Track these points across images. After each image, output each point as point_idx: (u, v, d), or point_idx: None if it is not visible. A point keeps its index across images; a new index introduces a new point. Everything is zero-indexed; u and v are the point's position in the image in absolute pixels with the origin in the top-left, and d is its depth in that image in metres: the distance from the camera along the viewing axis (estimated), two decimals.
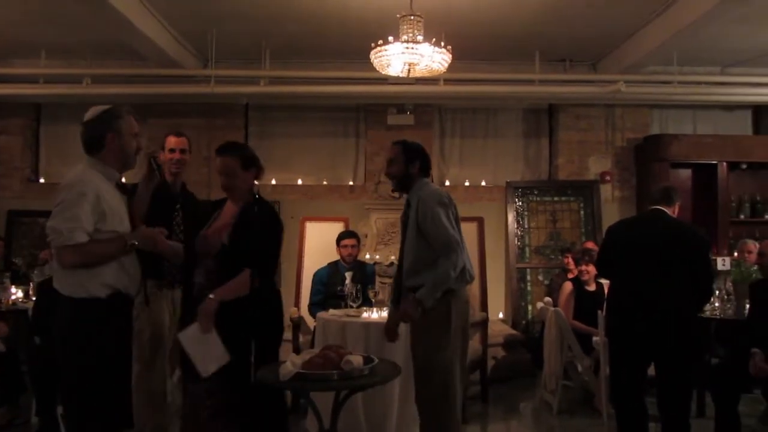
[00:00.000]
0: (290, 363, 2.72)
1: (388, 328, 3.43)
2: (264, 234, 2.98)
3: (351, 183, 7.49)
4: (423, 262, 3.23)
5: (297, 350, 4.83)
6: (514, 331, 6.59)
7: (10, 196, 7.42)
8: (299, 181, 7.44)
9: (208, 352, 2.79)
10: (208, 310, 2.80)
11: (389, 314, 3.58)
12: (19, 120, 7.47)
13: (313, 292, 5.27)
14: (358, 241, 5.45)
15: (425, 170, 3.45)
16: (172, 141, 3.78)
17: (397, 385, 3.95)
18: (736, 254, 5.62)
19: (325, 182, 7.50)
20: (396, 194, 3.75)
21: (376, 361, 2.87)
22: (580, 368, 5.03)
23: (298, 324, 5.07)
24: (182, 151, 3.78)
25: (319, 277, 5.29)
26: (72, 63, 6.84)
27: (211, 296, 2.82)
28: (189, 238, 3.26)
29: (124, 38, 5.81)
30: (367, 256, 5.76)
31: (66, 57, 6.81)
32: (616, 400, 3.81)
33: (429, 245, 3.22)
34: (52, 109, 7.55)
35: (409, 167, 3.39)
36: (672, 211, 3.81)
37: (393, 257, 6.61)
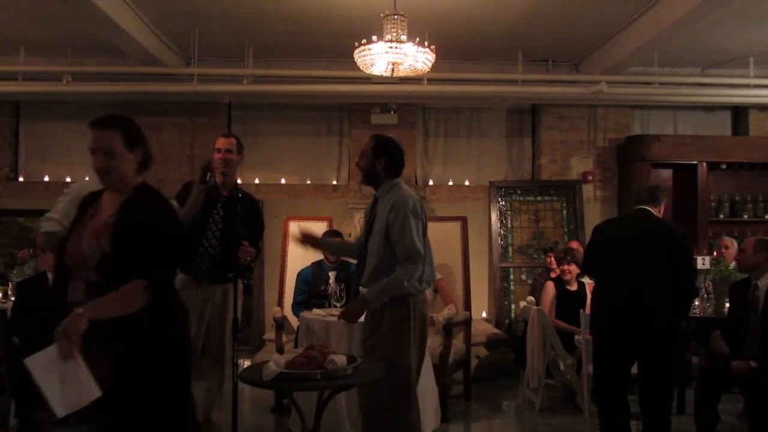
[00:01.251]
0: (273, 363, 2.71)
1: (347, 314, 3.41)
2: (157, 233, 2.28)
3: (335, 182, 7.48)
4: (385, 265, 3.21)
5: (280, 350, 4.81)
6: (497, 330, 6.61)
7: None
8: (283, 180, 7.41)
9: (69, 384, 2.08)
10: (72, 329, 2.05)
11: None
12: None
13: (297, 292, 5.25)
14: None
15: (394, 169, 3.39)
16: (219, 142, 3.96)
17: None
18: (714, 253, 5.69)
19: (308, 181, 7.48)
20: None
21: (360, 360, 2.87)
22: (562, 367, 5.07)
23: (281, 324, 5.05)
24: (228, 150, 3.92)
25: (303, 277, 5.27)
26: (52, 60, 6.75)
27: (78, 311, 2.08)
28: (226, 239, 3.55)
29: (105, 35, 5.75)
30: None
31: (46, 54, 6.73)
32: (598, 397, 3.85)
33: (390, 248, 3.22)
34: (32, 107, 7.45)
35: (375, 163, 3.36)
36: (657, 211, 3.84)
37: None
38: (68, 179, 7.37)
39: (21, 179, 7.52)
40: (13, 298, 4.85)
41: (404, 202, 3.23)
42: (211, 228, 3.83)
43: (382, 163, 3.36)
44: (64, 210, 2.64)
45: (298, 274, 5.32)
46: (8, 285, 5.28)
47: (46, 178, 7.41)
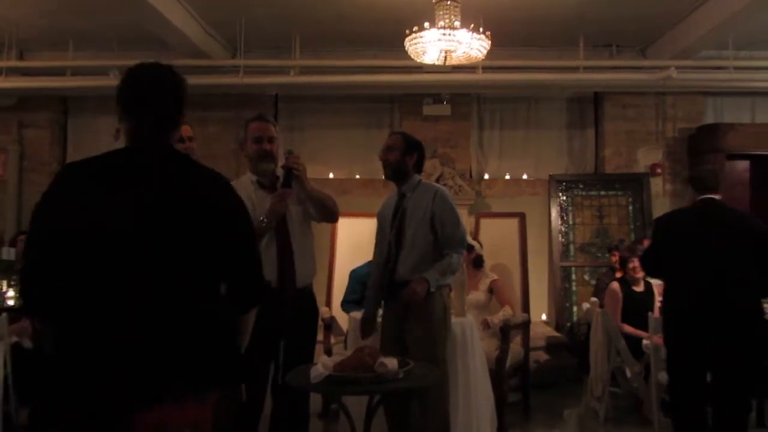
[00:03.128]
0: (321, 365, 2.71)
1: (365, 322, 3.62)
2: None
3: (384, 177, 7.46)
4: (433, 255, 3.39)
5: (328, 352, 4.83)
6: (557, 334, 6.50)
7: (37, 191, 7.51)
8: (331, 175, 7.45)
9: None
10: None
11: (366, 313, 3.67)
12: (47, 113, 7.62)
13: (349, 290, 5.24)
14: None
15: (421, 166, 3.62)
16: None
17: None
18: None
19: (357, 176, 7.49)
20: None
21: (412, 364, 2.84)
22: (628, 374, 4.94)
23: (329, 325, 5.06)
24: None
25: (357, 276, 5.25)
26: (99, 54, 6.95)
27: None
28: None
29: (151, 28, 5.88)
30: None
31: (93, 48, 6.93)
32: (673, 410, 3.69)
33: (436, 241, 3.39)
34: (80, 101, 7.69)
35: (406, 158, 3.53)
36: (721, 198, 3.69)
37: None
38: None
39: None
40: None
41: (446, 193, 3.50)
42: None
43: (414, 158, 3.56)
44: None
45: (352, 272, 5.30)
46: None
47: None
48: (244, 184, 3.18)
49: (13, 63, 6.91)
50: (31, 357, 4.48)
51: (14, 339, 4.39)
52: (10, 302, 5.21)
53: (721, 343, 3.40)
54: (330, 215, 3.36)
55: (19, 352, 4.36)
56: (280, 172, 3.26)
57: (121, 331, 1.67)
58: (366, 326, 3.61)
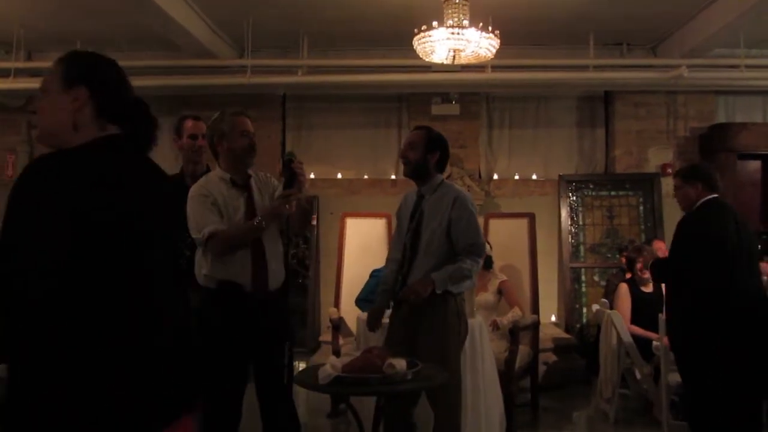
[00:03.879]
0: (330, 366, 2.72)
1: (373, 313, 3.53)
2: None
3: (393, 177, 7.48)
4: (448, 262, 3.28)
5: (337, 353, 4.85)
6: (567, 335, 6.49)
7: None
8: (339, 175, 7.47)
9: None
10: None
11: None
12: None
13: (367, 289, 5.20)
14: None
15: (442, 165, 3.47)
16: (193, 125, 3.58)
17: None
18: None
19: (366, 176, 7.50)
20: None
21: (421, 365, 2.85)
22: (638, 375, 4.93)
23: (338, 325, 5.08)
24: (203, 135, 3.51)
25: (378, 278, 5.22)
26: (106, 54, 6.99)
27: None
28: None
29: (158, 28, 5.91)
30: None
31: (100, 48, 6.94)
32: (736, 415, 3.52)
33: (452, 249, 3.29)
34: None
35: (428, 156, 3.38)
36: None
37: None
38: None
39: None
40: None
41: (466, 198, 3.34)
42: None
43: (436, 156, 3.40)
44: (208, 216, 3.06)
45: (374, 272, 5.26)
46: None
47: None
48: (213, 181, 3.10)
49: (22, 64, 6.96)
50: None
51: None
52: None
53: None
54: (304, 229, 3.38)
55: None
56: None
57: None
58: (373, 319, 3.52)
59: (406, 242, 3.42)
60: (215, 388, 2.82)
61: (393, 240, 3.64)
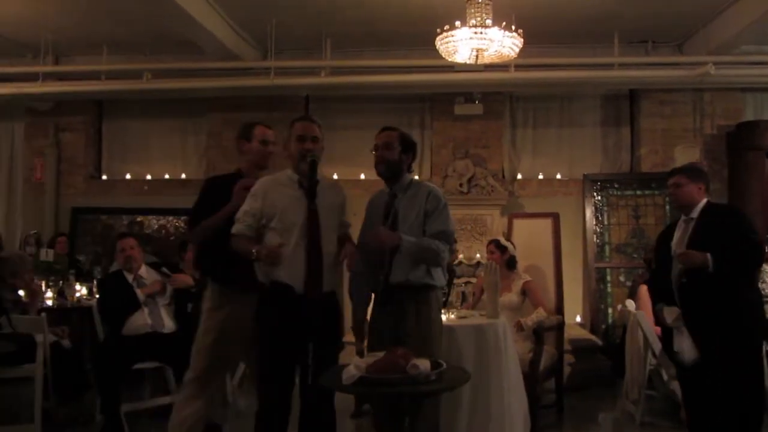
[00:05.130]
0: (354, 366, 2.73)
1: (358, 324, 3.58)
2: None
3: (417, 177, 7.46)
4: None
5: (360, 353, 4.86)
6: (592, 336, 6.44)
7: (73, 193, 7.77)
8: (362, 176, 7.48)
9: None
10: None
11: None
12: (82, 117, 7.82)
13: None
14: None
15: (412, 166, 3.55)
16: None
17: (466, 391, 3.92)
18: None
19: None
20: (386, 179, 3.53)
21: (445, 365, 2.85)
22: (665, 377, 4.88)
23: (361, 326, 5.09)
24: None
25: None
26: (132, 58, 7.10)
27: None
28: None
29: (183, 31, 5.99)
30: None
31: (126, 53, 7.08)
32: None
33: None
34: (113, 105, 7.87)
35: (403, 156, 3.44)
36: None
37: (478, 255, 6.57)
38: (148, 177, 7.75)
39: (104, 177, 7.96)
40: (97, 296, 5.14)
41: (439, 192, 3.40)
42: None
43: (410, 158, 3.48)
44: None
45: None
46: (93, 282, 5.61)
47: (128, 176, 7.81)
48: (282, 181, 3.24)
49: (50, 68, 7.10)
50: (70, 357, 4.61)
51: (53, 338, 4.51)
52: (49, 302, 5.35)
53: None
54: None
55: (58, 351, 4.47)
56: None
57: None
58: (359, 330, 3.57)
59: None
60: (268, 384, 3.04)
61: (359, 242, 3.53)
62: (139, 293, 4.51)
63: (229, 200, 3.31)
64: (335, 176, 7.39)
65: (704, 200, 3.75)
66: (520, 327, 4.72)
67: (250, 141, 3.60)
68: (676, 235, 3.74)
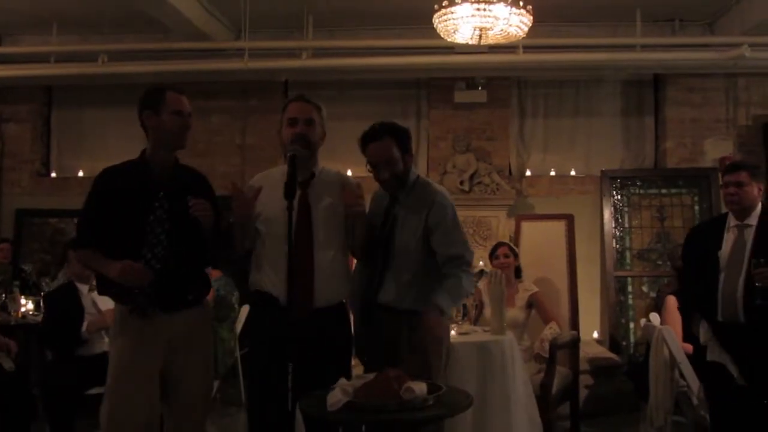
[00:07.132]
0: (339, 390, 2.72)
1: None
2: None
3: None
4: (431, 274, 3.20)
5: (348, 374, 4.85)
6: (611, 355, 6.46)
7: (18, 193, 7.74)
8: (349, 172, 7.46)
9: None
10: None
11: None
12: (28, 105, 7.78)
13: None
14: None
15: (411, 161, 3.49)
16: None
17: (469, 418, 3.92)
18: None
19: None
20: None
21: (444, 389, 2.84)
22: (695, 401, 4.90)
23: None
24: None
25: None
26: (86, 38, 7.07)
27: None
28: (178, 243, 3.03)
29: (145, 7, 5.97)
30: None
31: (80, 32, 7.05)
32: None
33: (429, 260, 3.20)
34: (65, 91, 7.83)
35: (405, 158, 3.36)
36: None
37: (481, 263, 6.57)
38: None
39: (53, 175, 7.91)
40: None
41: (446, 200, 3.28)
42: (154, 231, 3.05)
43: (410, 155, 3.41)
44: None
45: None
46: (41, 296, 5.57)
47: (81, 174, 7.77)
48: (274, 178, 3.11)
49: None
50: (13, 381, 4.57)
51: None
52: None
53: None
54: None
55: None
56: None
57: None
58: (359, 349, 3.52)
59: (377, 253, 3.31)
60: (260, 395, 3.10)
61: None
62: (84, 328, 4.39)
63: (128, 193, 3.09)
64: None
65: (759, 204, 3.66)
66: (540, 358, 4.71)
67: (159, 113, 3.22)
68: (727, 244, 3.62)
